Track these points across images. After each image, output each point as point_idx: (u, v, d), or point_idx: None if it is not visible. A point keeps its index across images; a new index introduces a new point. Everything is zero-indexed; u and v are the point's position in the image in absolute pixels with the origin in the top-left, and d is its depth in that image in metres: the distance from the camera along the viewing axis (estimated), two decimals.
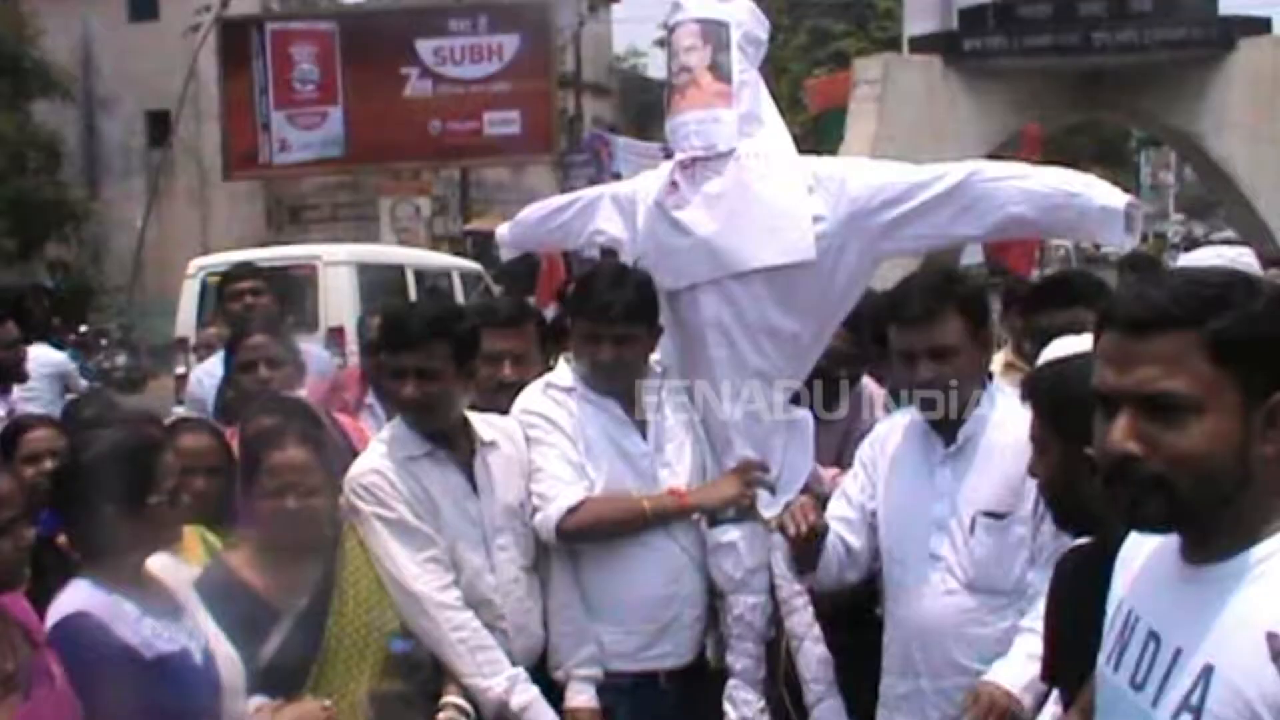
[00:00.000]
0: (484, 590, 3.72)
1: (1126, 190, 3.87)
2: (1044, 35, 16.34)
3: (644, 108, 45.01)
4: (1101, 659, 2.03)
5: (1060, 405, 2.50)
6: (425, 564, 3.63)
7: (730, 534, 3.87)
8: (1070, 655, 2.51)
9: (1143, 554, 2.00)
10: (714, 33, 3.91)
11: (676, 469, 3.93)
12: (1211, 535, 1.83)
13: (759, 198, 3.79)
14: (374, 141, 24.64)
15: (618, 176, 24.78)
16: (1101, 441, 1.87)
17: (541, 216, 4.52)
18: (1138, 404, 1.82)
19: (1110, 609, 2.05)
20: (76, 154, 33.25)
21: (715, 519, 3.89)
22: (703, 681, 3.98)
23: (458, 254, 29.70)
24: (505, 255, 4.81)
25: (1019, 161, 12.46)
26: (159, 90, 31.81)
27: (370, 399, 5.33)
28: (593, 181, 25.37)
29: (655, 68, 54.65)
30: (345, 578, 3.55)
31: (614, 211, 4.22)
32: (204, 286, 12.06)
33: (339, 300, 12.33)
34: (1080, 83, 16.74)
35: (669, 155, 4.07)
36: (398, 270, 13.94)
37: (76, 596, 2.99)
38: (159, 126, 32.75)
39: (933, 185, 3.78)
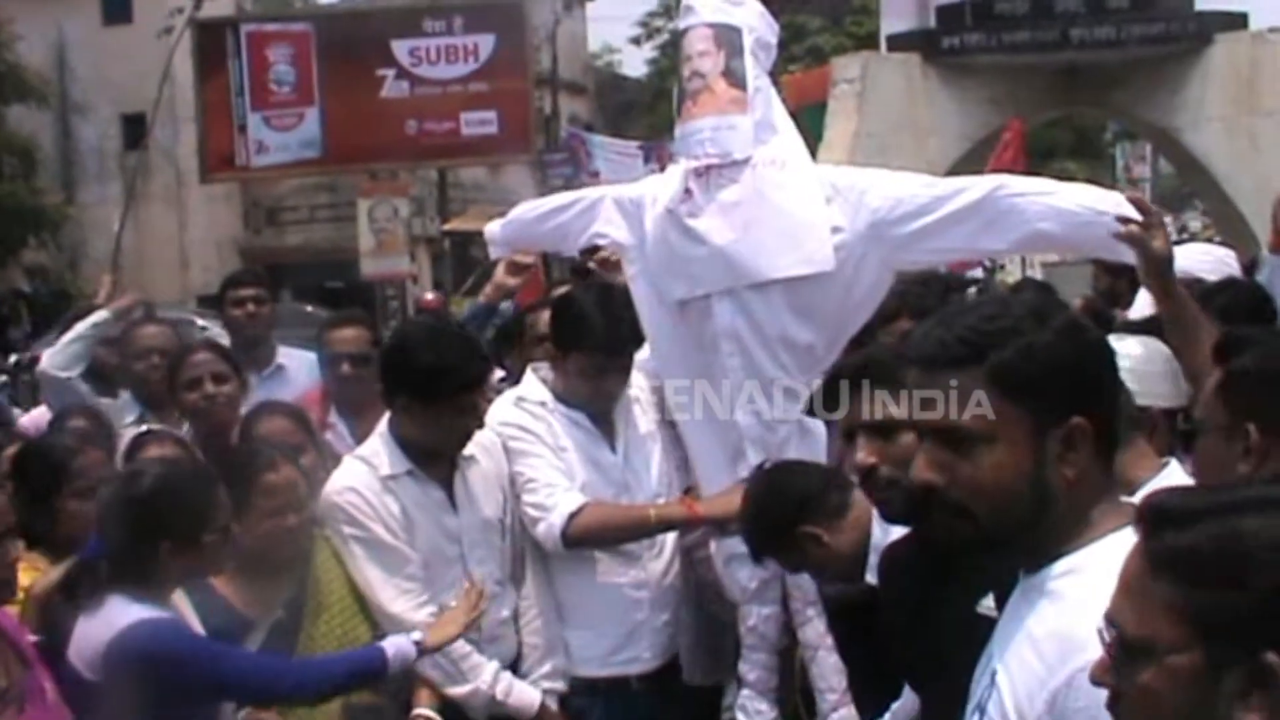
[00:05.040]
0: None
1: (1102, 183, 3.83)
2: (1021, 32, 16.34)
3: (619, 106, 45.06)
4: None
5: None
6: (401, 583, 3.61)
7: (743, 544, 3.81)
8: None
9: None
10: (727, 38, 3.80)
11: (644, 479, 3.92)
12: (1023, 553, 1.94)
13: (777, 207, 3.71)
14: (351, 142, 24.52)
15: (596, 174, 24.77)
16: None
17: (538, 215, 4.34)
18: (935, 436, 1.93)
19: None
20: (52, 158, 33.09)
21: (726, 529, 3.80)
22: (676, 685, 3.97)
23: (435, 255, 29.62)
24: (495, 253, 4.63)
25: (1004, 158, 12.41)
26: (134, 93, 31.64)
27: (333, 418, 4.76)
28: (570, 180, 25.44)
29: (630, 65, 54.74)
30: (319, 591, 3.54)
31: (617, 214, 4.06)
32: None
33: None
34: (1058, 78, 16.75)
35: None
36: None
37: (129, 611, 3.01)
38: (135, 130, 32.56)
39: (955, 199, 3.69)
